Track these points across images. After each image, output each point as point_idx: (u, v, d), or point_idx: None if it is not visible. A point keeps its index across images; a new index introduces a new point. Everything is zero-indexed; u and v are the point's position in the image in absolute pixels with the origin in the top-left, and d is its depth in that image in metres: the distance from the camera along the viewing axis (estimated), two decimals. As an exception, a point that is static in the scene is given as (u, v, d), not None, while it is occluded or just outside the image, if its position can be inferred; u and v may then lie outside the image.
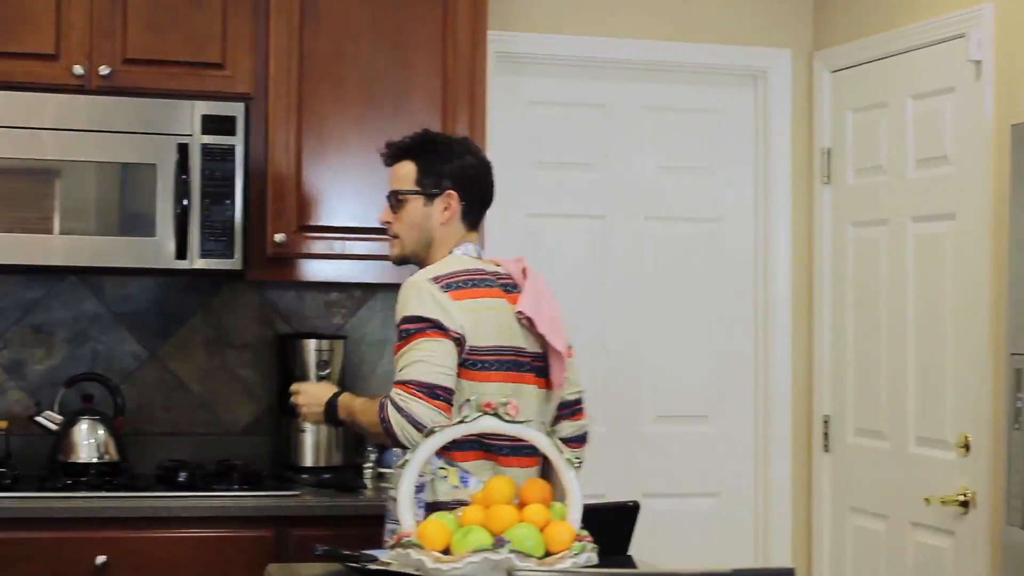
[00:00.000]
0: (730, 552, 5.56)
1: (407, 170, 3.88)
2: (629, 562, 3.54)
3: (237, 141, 4.61)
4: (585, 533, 2.97)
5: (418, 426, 3.53)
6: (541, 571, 2.73)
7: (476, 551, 2.83)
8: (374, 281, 4.86)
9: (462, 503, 3.60)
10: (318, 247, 4.74)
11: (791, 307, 5.63)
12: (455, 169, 3.86)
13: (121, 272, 4.78)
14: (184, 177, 4.52)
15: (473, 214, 3.90)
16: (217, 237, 4.58)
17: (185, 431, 5.03)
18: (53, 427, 4.67)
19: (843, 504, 5.43)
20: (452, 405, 3.60)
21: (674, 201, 5.62)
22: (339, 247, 4.75)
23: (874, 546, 5.21)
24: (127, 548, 4.29)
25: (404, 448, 3.56)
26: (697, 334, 5.63)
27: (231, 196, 4.60)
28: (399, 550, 2.93)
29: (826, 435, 5.52)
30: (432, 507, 3.61)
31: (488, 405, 3.03)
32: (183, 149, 4.54)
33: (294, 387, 3.93)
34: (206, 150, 4.57)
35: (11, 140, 4.48)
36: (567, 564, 2.86)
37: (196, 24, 4.65)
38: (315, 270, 4.77)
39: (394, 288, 5.02)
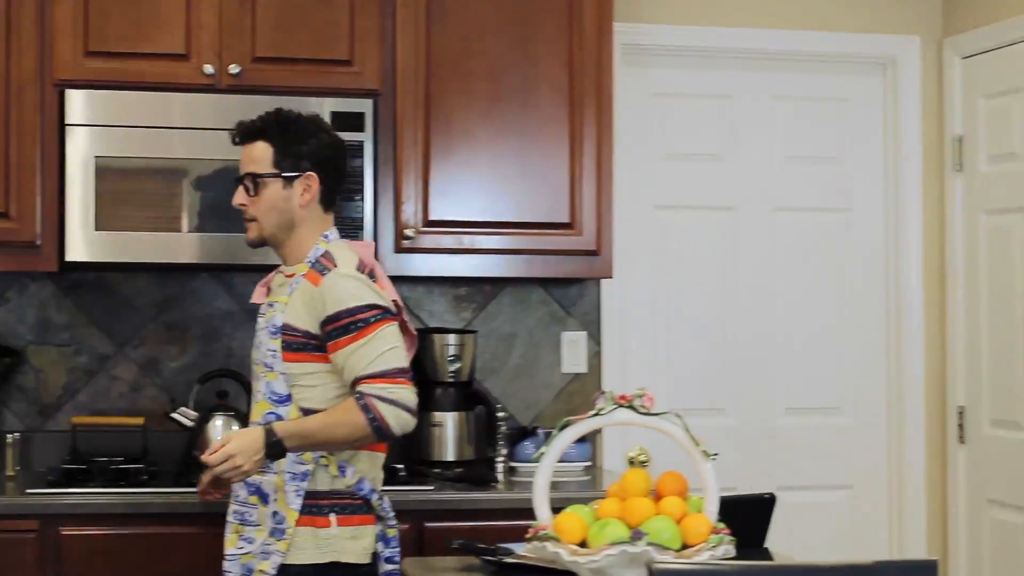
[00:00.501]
0: (864, 545, 5.51)
1: (262, 151, 3.75)
2: (766, 555, 3.52)
3: (366, 137, 4.63)
4: (722, 526, 2.95)
5: (411, 411, 3.55)
6: (680, 564, 2.72)
7: (613, 544, 2.82)
8: (503, 275, 4.86)
9: (339, 493, 3.66)
10: (447, 242, 4.75)
11: (923, 296, 5.55)
12: (312, 150, 3.75)
13: (252, 269, 4.82)
14: (314, 174, 4.56)
15: (330, 195, 3.80)
16: (349, 234, 4.59)
17: (318, 426, 5.06)
18: (188, 423, 4.72)
19: (980, 496, 5.35)
20: None
21: (803, 191, 5.57)
22: (468, 241, 4.76)
23: (1013, 539, 5.13)
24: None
25: (389, 440, 3.60)
26: (828, 325, 5.58)
27: (361, 192, 4.61)
28: (536, 543, 2.93)
29: (961, 426, 5.45)
30: (311, 496, 3.62)
31: (623, 397, 3.02)
32: (313, 146, 4.57)
33: (218, 456, 3.52)
34: (336, 147, 4.60)
35: (142, 139, 4.53)
36: (704, 557, 2.84)
37: (324, 21, 4.67)
38: (444, 265, 4.78)
39: (524, 282, 5.10)
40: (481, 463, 4.88)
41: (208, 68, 4.58)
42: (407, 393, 3.56)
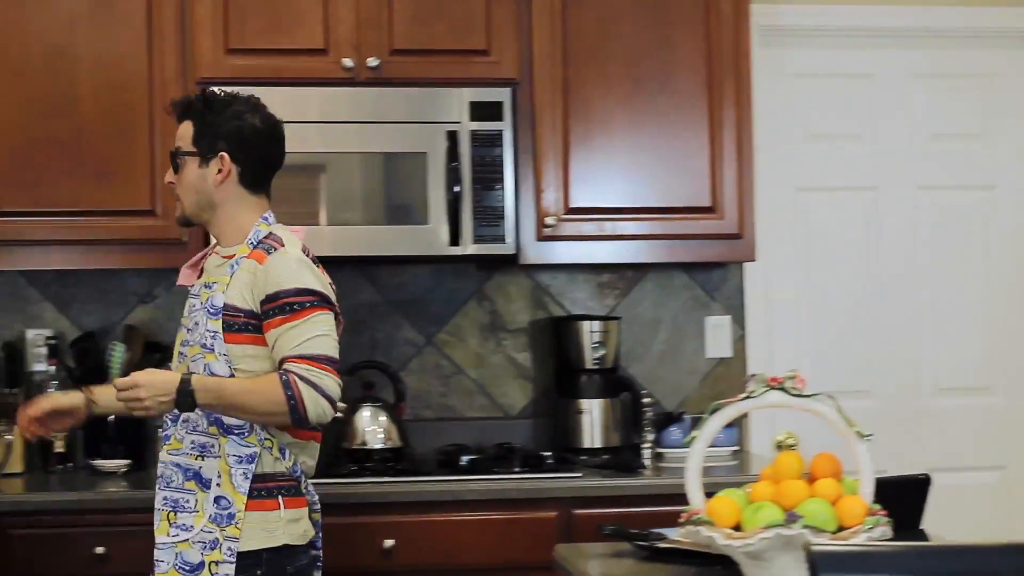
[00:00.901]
0: (1018, 527, 5.41)
1: (185, 129, 3.73)
2: (922, 536, 3.46)
3: (505, 126, 4.64)
4: (878, 507, 2.91)
5: (331, 400, 3.52)
6: (838, 546, 2.68)
7: (768, 527, 2.79)
8: (646, 261, 4.84)
9: (282, 475, 3.62)
10: (588, 228, 4.74)
11: (1073, 273, 5.46)
12: (230, 130, 3.68)
13: (396, 260, 4.85)
14: (454, 164, 4.57)
15: (252, 178, 3.71)
16: (489, 222, 4.61)
17: (463, 416, 5.08)
18: (336, 415, 4.75)
19: None
20: None
21: (946, 170, 5.49)
22: (610, 228, 4.74)
23: None
24: (413, 531, 4.35)
25: (302, 425, 3.54)
26: (975, 304, 5.49)
27: (501, 181, 4.62)
28: (689, 527, 2.90)
29: (1116, 406, 5.35)
30: (259, 478, 3.57)
31: (774, 380, 2.99)
32: (452, 136, 4.59)
33: (126, 380, 3.49)
34: (475, 136, 4.61)
35: (287, 134, 4.56)
36: (862, 538, 2.81)
37: (460, 12, 4.69)
38: (586, 252, 4.78)
39: (667, 267, 5.08)
40: (627, 449, 4.87)
41: (347, 62, 4.61)
42: (330, 382, 3.52)
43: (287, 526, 3.61)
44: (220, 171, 3.67)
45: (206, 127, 3.69)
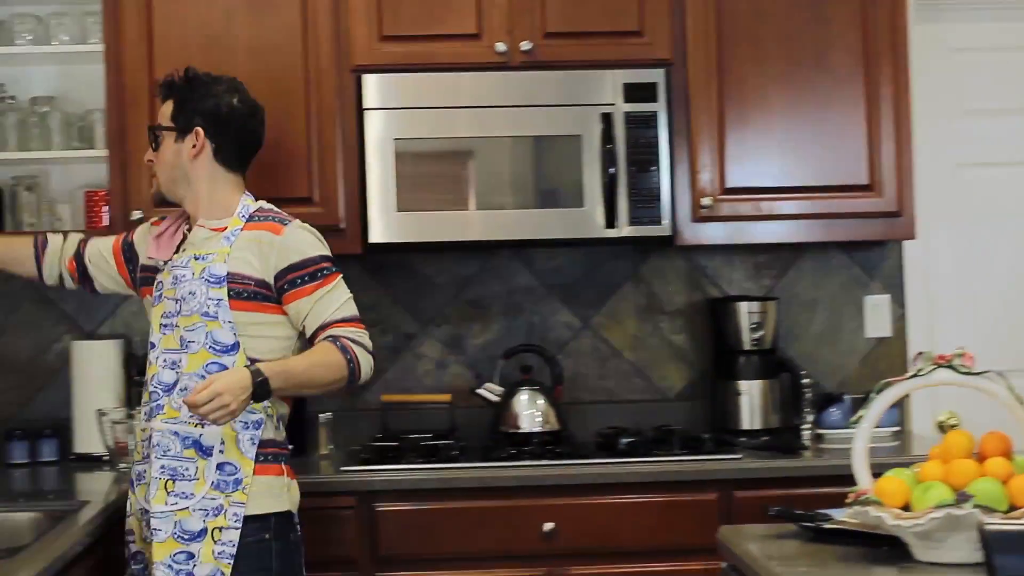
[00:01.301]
0: None
1: (167, 107, 3.83)
2: (1095, 516, 3.39)
3: (659, 107, 4.61)
4: (1050, 486, 2.86)
5: (374, 357, 3.73)
6: (1012, 525, 2.64)
7: (938, 507, 2.75)
8: (803, 240, 4.79)
9: (280, 443, 3.72)
10: (744, 208, 4.71)
11: None
12: (209, 109, 3.79)
13: (552, 244, 4.85)
14: (609, 146, 4.55)
15: (227, 155, 3.82)
16: (645, 204, 4.60)
17: (621, 398, 5.08)
18: (494, 399, 4.78)
19: None
20: None
21: (1118, 140, 5.34)
22: (766, 207, 4.71)
23: None
24: (573, 514, 4.36)
25: (352, 385, 3.68)
26: None
27: (656, 162, 4.60)
28: (857, 508, 2.88)
29: None
30: (266, 443, 3.66)
31: (942, 357, 2.95)
32: (607, 118, 4.57)
33: (204, 394, 3.42)
34: (629, 118, 4.59)
35: (437, 120, 4.60)
36: (1034, 518, 2.76)
37: (613, -7, 4.68)
38: (743, 232, 4.74)
39: (824, 246, 5.03)
40: (787, 431, 4.84)
41: (500, 46, 4.62)
42: (368, 339, 3.71)
43: (289, 493, 3.72)
44: (195, 146, 3.78)
45: (185, 104, 3.80)
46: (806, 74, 4.70)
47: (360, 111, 4.58)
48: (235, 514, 3.60)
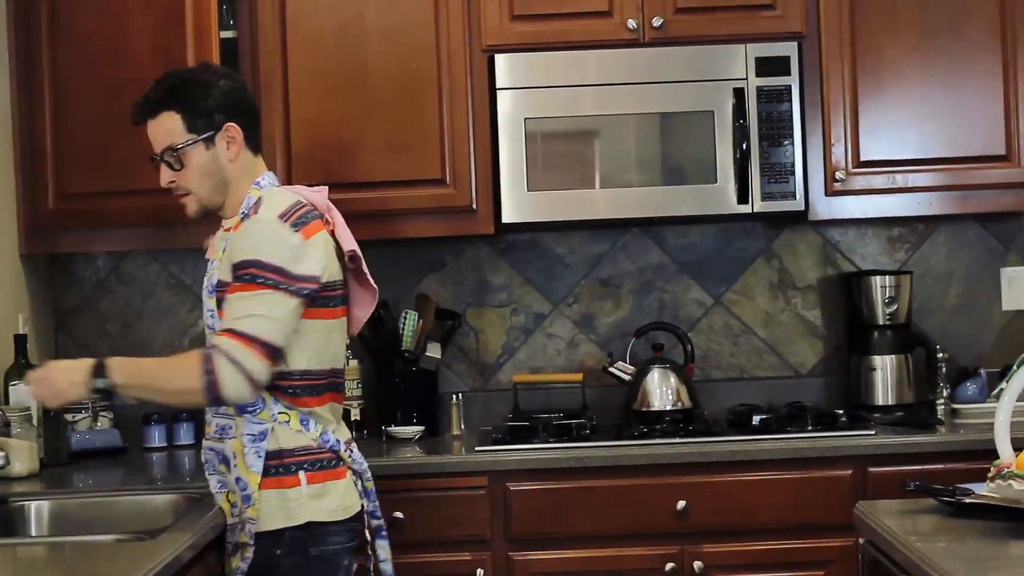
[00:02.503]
0: None
1: (171, 121, 3.53)
2: None
3: (792, 81, 4.57)
4: None
5: (254, 383, 3.32)
6: None
7: (1084, 481, 2.72)
8: (938, 213, 4.73)
9: (306, 449, 3.47)
10: (878, 182, 4.66)
11: None
12: (220, 100, 3.54)
13: (683, 221, 4.83)
14: (741, 121, 4.53)
15: (254, 136, 3.62)
16: (777, 179, 4.56)
17: (753, 375, 5.05)
18: (626, 377, 4.78)
19: None
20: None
21: None
22: (901, 180, 4.65)
23: None
24: (706, 492, 4.34)
25: (218, 404, 3.40)
26: None
27: (790, 137, 4.57)
28: (999, 482, 2.84)
29: None
30: (274, 455, 3.45)
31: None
32: (739, 93, 4.54)
33: (40, 371, 3.44)
34: (761, 92, 4.56)
35: (568, 99, 4.60)
36: None
37: (744, -33, 4.65)
38: (877, 206, 4.69)
39: (959, 218, 4.97)
40: (922, 406, 4.79)
41: (631, 23, 4.61)
42: (258, 365, 3.32)
43: (310, 502, 3.47)
44: (230, 142, 3.57)
45: (196, 107, 3.54)
46: (941, 43, 4.64)
47: (492, 91, 4.58)
48: (249, 531, 3.47)
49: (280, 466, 3.47)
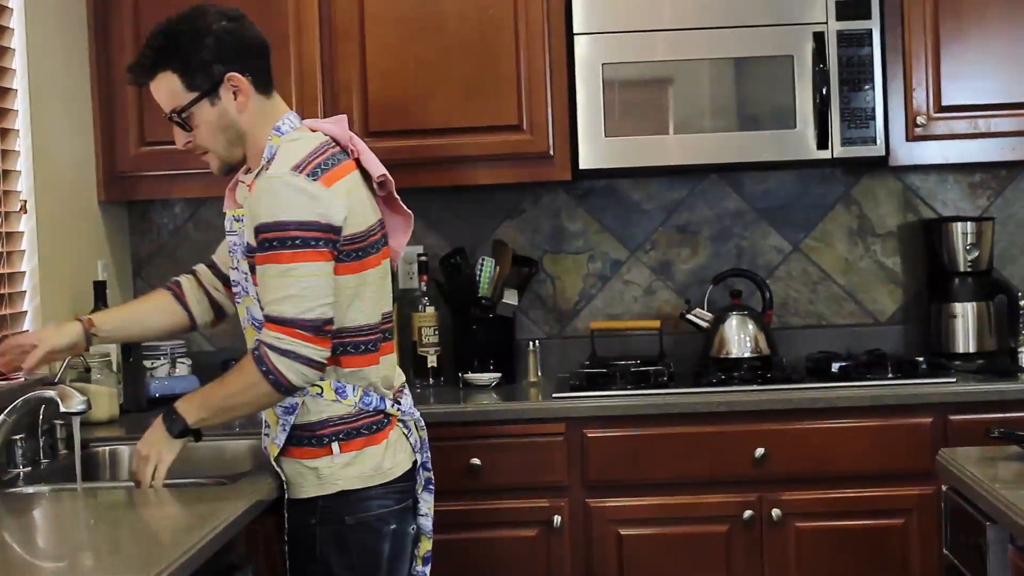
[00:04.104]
0: None
1: (169, 82, 3.28)
2: None
3: (873, 25, 4.51)
4: None
5: (314, 365, 3.16)
6: None
7: None
8: (1020, 158, 4.66)
9: (344, 418, 3.31)
10: (960, 127, 4.60)
11: None
12: (214, 49, 3.26)
13: (762, 167, 4.80)
14: (821, 66, 4.47)
15: (263, 78, 3.33)
16: (858, 125, 4.51)
17: (831, 323, 5.02)
18: (704, 324, 4.75)
19: None
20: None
21: None
22: (983, 125, 4.59)
23: None
24: (784, 439, 4.32)
25: (291, 393, 3.21)
26: None
27: (870, 81, 4.51)
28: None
29: None
30: (305, 427, 3.30)
31: None
32: (819, 37, 4.49)
33: (136, 460, 3.27)
34: (842, 36, 4.51)
35: (646, 44, 4.56)
36: None
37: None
38: (958, 151, 4.64)
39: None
40: (1003, 354, 4.74)
41: (713, -34, 4.57)
42: (308, 349, 3.15)
43: (343, 471, 3.31)
44: (236, 93, 3.31)
45: (190, 62, 3.28)
46: (1026, -16, 4.58)
47: (569, 36, 4.56)
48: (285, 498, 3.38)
49: (312, 438, 3.32)
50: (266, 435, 3.43)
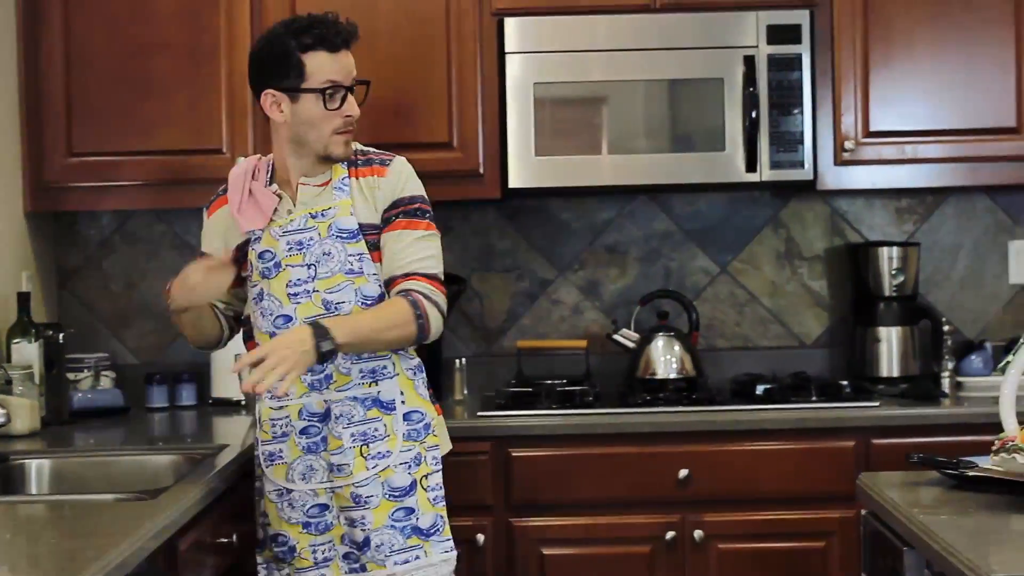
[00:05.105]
0: None
1: (351, 59, 3.68)
2: None
3: (803, 49, 4.54)
4: None
5: (445, 318, 3.59)
6: None
7: (1089, 455, 2.70)
8: (948, 184, 4.71)
9: None
10: (888, 152, 4.64)
11: None
12: None
13: (692, 188, 4.82)
14: (751, 90, 4.50)
15: None
16: (787, 148, 4.54)
17: (757, 345, 5.04)
18: (630, 345, 4.76)
19: None
20: None
21: None
22: (911, 151, 4.63)
23: None
24: (708, 461, 4.34)
25: (419, 343, 3.57)
26: None
27: (800, 106, 4.54)
28: (1003, 455, 2.83)
29: None
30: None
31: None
32: (750, 61, 4.51)
33: (259, 350, 3.37)
34: (772, 61, 4.53)
35: (577, 64, 4.56)
36: None
37: (751, -66, 4.62)
38: (886, 176, 4.67)
39: (968, 190, 4.95)
40: (926, 378, 4.77)
41: (646, -11, 4.60)
42: (443, 301, 3.58)
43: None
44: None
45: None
46: (954, 15, 4.61)
47: (501, 55, 4.56)
48: (434, 457, 3.64)
49: (431, 396, 3.71)
50: (355, 423, 3.57)
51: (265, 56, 3.61)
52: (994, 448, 2.88)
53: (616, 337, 4.79)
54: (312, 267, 3.57)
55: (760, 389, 4.59)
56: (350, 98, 3.61)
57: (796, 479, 4.33)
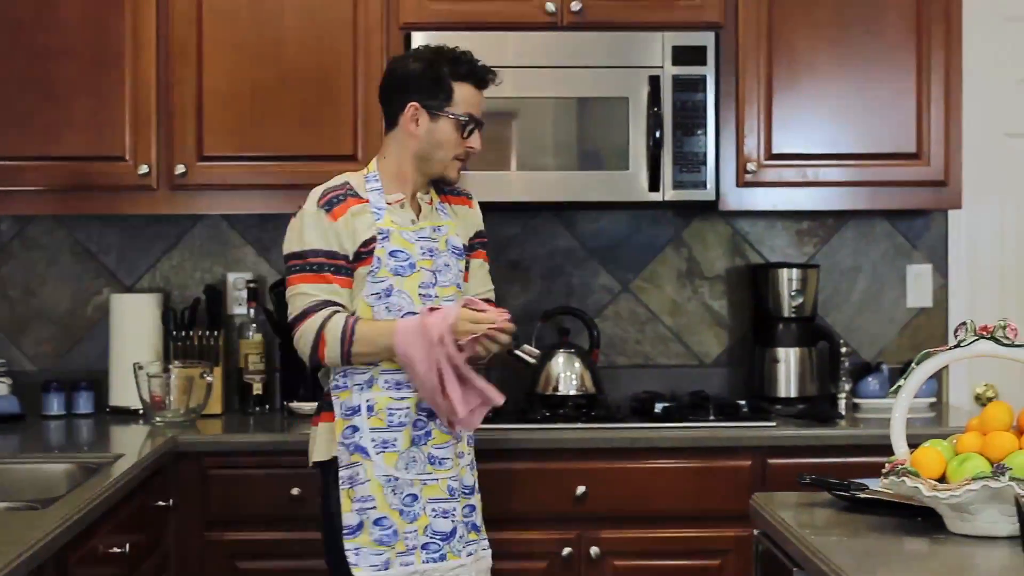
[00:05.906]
0: None
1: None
2: None
3: (708, 71, 4.58)
4: (1090, 461, 2.83)
5: None
6: (1049, 499, 2.62)
7: (975, 479, 2.74)
8: (847, 207, 4.77)
9: None
10: (789, 175, 4.68)
11: None
12: None
13: (595, 206, 4.84)
14: (656, 109, 4.52)
15: None
16: (689, 169, 4.57)
17: (657, 363, 5.06)
18: (531, 360, 4.72)
19: None
20: None
21: None
22: (811, 174, 4.68)
23: None
24: (605, 478, 4.36)
25: None
26: None
27: (703, 127, 4.57)
28: (893, 478, 2.86)
29: None
30: None
31: (985, 329, 2.92)
32: (654, 81, 4.54)
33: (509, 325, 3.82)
34: (677, 81, 4.56)
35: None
36: (1072, 493, 2.74)
37: (665, -45, 4.65)
38: (787, 198, 4.71)
39: (868, 214, 5.01)
40: (823, 399, 4.82)
41: (550, 6, 4.60)
42: None
43: None
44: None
45: None
46: (857, 39, 4.66)
47: (407, 69, 4.55)
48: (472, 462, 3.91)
49: None
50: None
51: (416, 73, 3.78)
52: (884, 471, 2.91)
53: (517, 352, 4.74)
54: (436, 274, 3.80)
55: (659, 407, 4.63)
56: (477, 132, 3.81)
57: (693, 497, 4.36)
